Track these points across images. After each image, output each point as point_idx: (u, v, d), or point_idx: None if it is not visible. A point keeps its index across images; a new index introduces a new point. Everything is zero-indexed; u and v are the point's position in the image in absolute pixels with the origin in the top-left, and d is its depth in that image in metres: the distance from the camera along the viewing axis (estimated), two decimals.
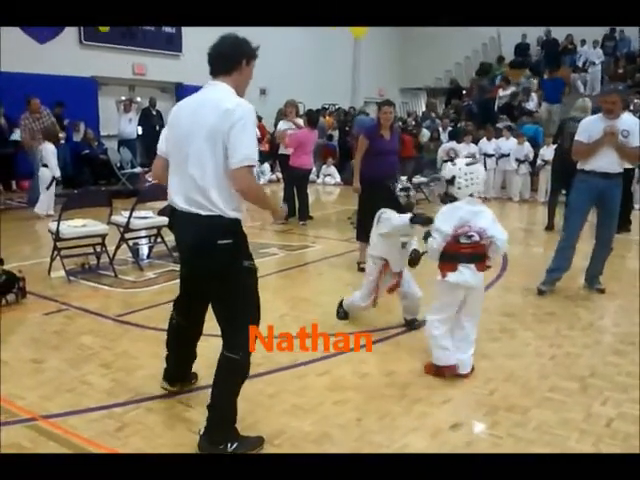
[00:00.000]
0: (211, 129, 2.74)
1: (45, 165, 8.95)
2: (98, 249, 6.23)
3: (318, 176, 15.40)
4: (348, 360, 4.11)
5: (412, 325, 4.82)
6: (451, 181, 3.78)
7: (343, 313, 4.96)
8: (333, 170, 15.54)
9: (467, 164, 3.83)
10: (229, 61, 2.91)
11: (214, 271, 2.89)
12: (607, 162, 5.34)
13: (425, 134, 15.06)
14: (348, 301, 4.89)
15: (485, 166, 12.39)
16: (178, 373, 3.59)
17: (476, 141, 12.74)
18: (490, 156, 12.58)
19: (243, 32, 3.02)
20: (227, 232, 2.84)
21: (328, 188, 14.91)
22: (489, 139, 12.76)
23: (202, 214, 2.82)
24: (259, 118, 14.75)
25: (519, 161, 12.25)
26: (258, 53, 3.00)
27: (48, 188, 8.77)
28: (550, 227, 8.84)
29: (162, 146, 3.14)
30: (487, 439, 3.15)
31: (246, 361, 2.98)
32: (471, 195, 3.78)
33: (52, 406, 3.39)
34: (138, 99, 13.75)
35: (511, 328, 4.79)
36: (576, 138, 5.48)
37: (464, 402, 3.54)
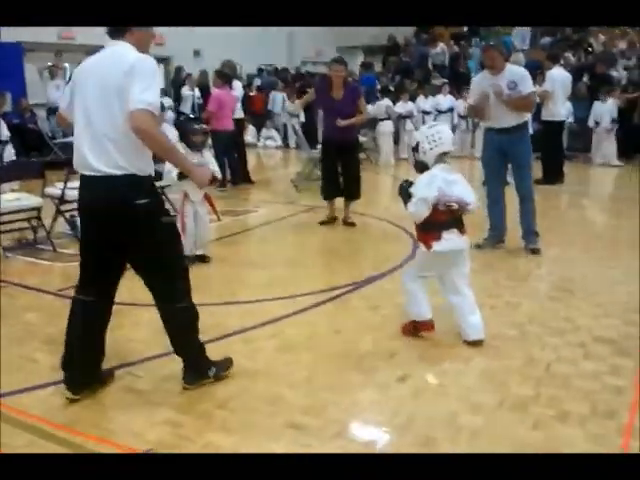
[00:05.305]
0: (115, 86, 2.75)
1: None
2: (34, 223, 6.04)
3: (259, 139, 15.23)
4: (295, 322, 4.16)
5: (203, 260, 5.29)
6: (415, 148, 3.70)
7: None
8: (274, 133, 15.36)
9: (428, 127, 3.79)
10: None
11: (136, 230, 2.93)
12: (500, 117, 5.45)
13: None
14: None
15: (423, 123, 12.57)
16: (87, 374, 3.18)
17: (413, 99, 12.81)
18: (428, 113, 12.70)
19: None
20: (144, 191, 2.90)
21: (269, 151, 14.79)
22: (426, 96, 12.85)
23: (118, 174, 2.82)
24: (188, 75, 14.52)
25: (460, 117, 12.44)
26: None
27: None
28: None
29: (64, 105, 3.11)
30: (434, 389, 3.27)
31: (192, 306, 3.16)
32: (442, 160, 3.67)
33: None
34: (65, 65, 13.17)
35: None
36: (468, 101, 5.64)
37: (409, 355, 3.64)
